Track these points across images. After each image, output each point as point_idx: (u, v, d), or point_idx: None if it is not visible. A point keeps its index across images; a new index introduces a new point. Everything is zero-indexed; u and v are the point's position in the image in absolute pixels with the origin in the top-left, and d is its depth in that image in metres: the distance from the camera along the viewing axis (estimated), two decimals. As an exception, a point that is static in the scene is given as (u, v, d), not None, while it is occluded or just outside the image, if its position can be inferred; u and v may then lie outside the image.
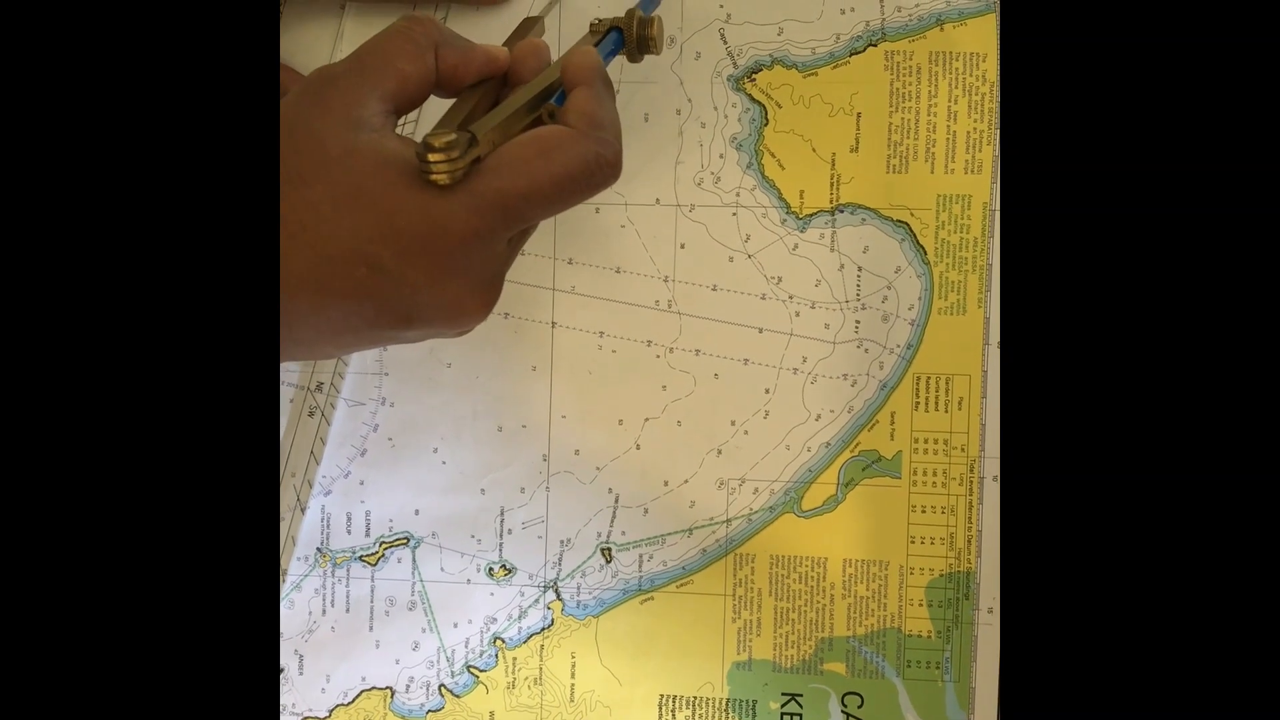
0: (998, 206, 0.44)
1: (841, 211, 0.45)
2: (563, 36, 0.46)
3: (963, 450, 0.45)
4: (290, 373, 0.47)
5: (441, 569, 0.47)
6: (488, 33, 0.46)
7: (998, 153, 0.44)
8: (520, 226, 0.32)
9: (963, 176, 0.44)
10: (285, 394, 0.47)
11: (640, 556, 0.46)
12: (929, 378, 0.45)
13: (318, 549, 0.48)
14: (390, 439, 0.47)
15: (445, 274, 0.31)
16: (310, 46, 0.47)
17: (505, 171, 0.31)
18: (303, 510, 0.48)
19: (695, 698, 0.46)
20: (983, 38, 0.44)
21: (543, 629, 0.47)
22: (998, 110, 0.44)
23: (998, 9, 0.44)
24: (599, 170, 0.33)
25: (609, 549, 0.47)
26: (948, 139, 0.44)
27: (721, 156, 0.46)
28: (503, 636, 0.47)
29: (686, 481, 0.46)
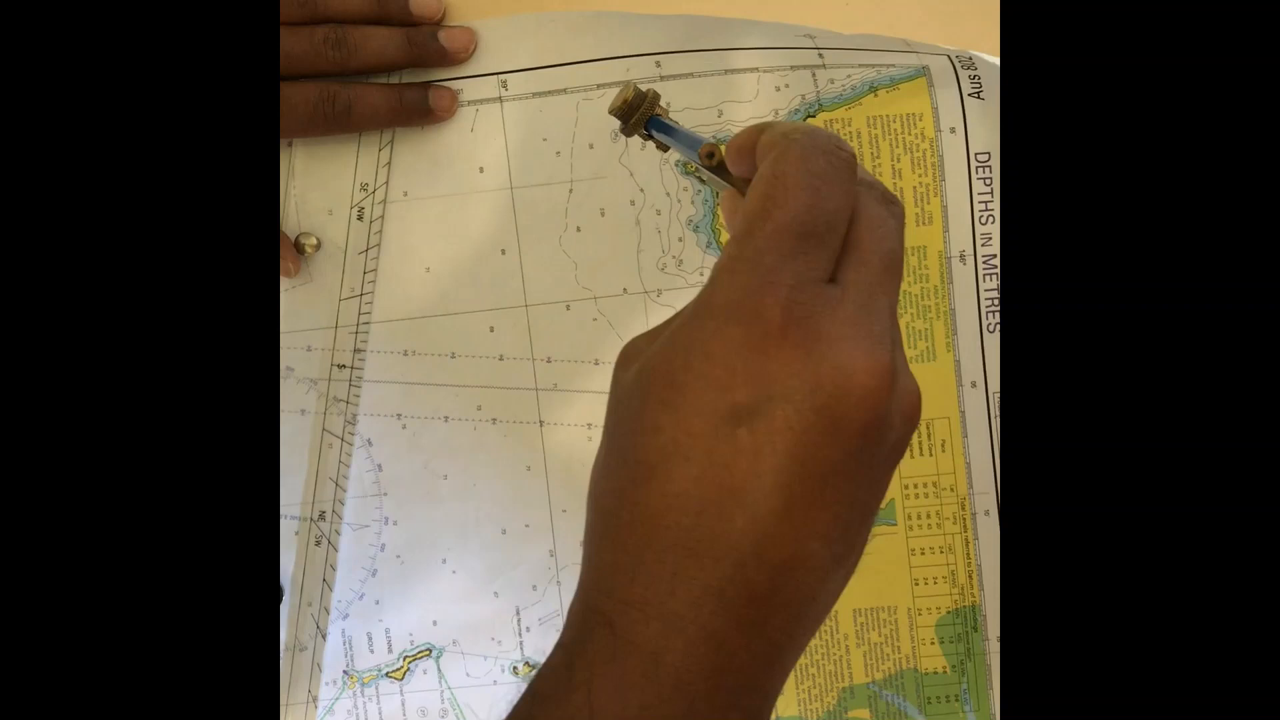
0: (953, 253, 0.46)
1: (804, 277, 0.46)
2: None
3: (952, 490, 0.47)
4: (291, 505, 0.48)
5: (467, 674, 0.49)
6: (434, 147, 0.47)
7: (945, 202, 0.45)
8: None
9: (915, 229, 0.46)
10: (290, 527, 0.48)
11: (658, 635, 0.48)
12: (910, 425, 0.47)
13: (344, 671, 0.49)
14: (399, 556, 0.48)
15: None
16: (264, 186, 0.47)
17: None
18: (323, 636, 0.49)
19: (730, 762, 0.48)
20: (916, 99, 0.45)
21: (573, 717, 0.48)
22: (940, 163, 0.45)
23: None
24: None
25: (626, 632, 0.48)
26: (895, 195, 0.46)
27: (680, 239, 0.47)
28: (536, 730, 0.48)
29: (692, 557, 0.47)
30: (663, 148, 0.35)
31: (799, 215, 0.25)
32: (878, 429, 0.25)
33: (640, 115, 0.34)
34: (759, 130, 0.28)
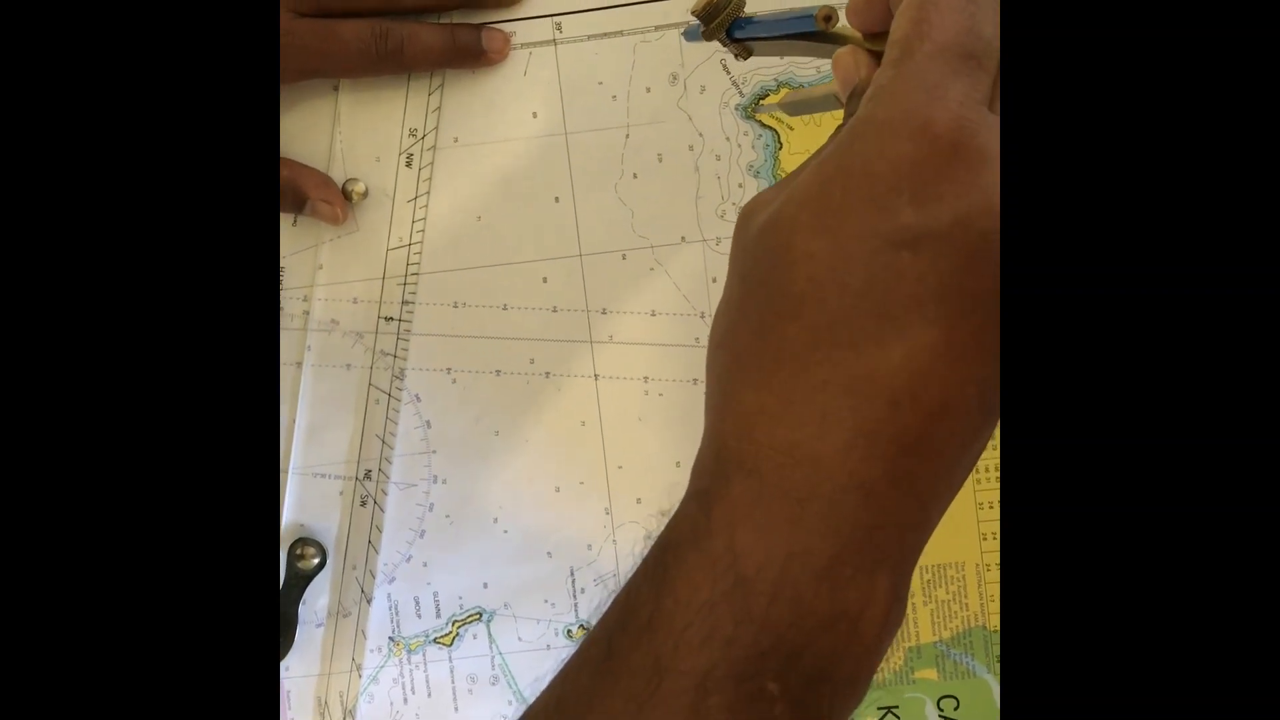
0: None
1: (868, 224, 0.45)
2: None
3: (1020, 441, 0.45)
4: (335, 464, 0.46)
5: (519, 639, 0.47)
6: (486, 91, 0.46)
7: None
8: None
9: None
10: (334, 486, 0.46)
11: (717, 595, 0.46)
12: (977, 375, 0.45)
13: (390, 638, 0.47)
14: (448, 516, 0.47)
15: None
16: (307, 133, 0.46)
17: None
18: (368, 601, 0.47)
19: (793, 726, 0.46)
20: (988, 36, 0.44)
21: (630, 682, 0.47)
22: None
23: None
24: None
25: (685, 592, 0.46)
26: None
27: (740, 186, 0.46)
28: (590, 696, 0.47)
29: (753, 513, 0.46)
30: (744, 54, 0.34)
31: (958, 36, 0.23)
32: None
33: (725, 16, 0.33)
34: None
